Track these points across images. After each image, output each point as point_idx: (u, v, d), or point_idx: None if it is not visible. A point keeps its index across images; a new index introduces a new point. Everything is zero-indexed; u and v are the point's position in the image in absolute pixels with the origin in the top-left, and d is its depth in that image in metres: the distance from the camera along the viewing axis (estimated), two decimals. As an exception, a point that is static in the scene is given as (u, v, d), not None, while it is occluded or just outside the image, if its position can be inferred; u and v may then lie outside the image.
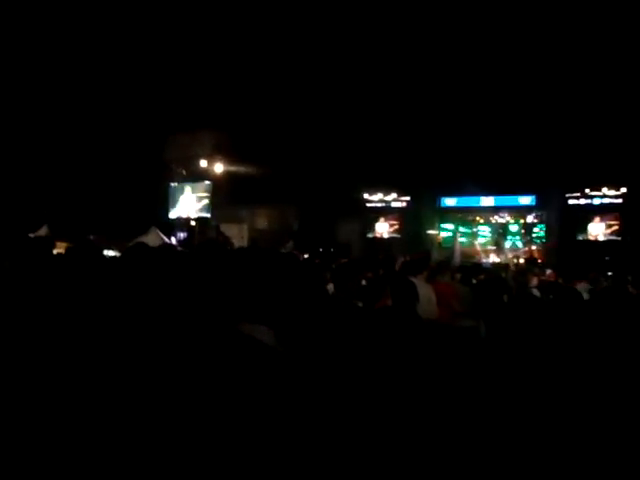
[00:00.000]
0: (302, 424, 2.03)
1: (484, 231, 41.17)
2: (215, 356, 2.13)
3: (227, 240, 28.14)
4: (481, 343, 8.05)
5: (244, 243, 29.89)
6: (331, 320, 4.97)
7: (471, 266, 11.53)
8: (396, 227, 41.62)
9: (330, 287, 7.21)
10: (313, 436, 2.06)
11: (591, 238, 37.50)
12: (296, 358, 2.21)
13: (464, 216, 40.91)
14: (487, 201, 39.86)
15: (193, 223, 33.52)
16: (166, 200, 34.68)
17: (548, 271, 13.93)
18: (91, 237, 19.58)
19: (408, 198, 41.10)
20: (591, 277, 12.39)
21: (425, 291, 7.69)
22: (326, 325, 4.85)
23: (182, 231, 33.17)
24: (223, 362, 2.09)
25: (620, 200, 36.70)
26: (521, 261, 33.14)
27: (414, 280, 7.60)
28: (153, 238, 22.74)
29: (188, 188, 34.74)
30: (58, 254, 5.77)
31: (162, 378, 2.28)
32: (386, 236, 41.52)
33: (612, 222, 37.24)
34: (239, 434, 1.95)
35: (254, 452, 1.94)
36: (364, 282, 7.09)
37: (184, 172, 34.27)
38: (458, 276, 9.91)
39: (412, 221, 40.07)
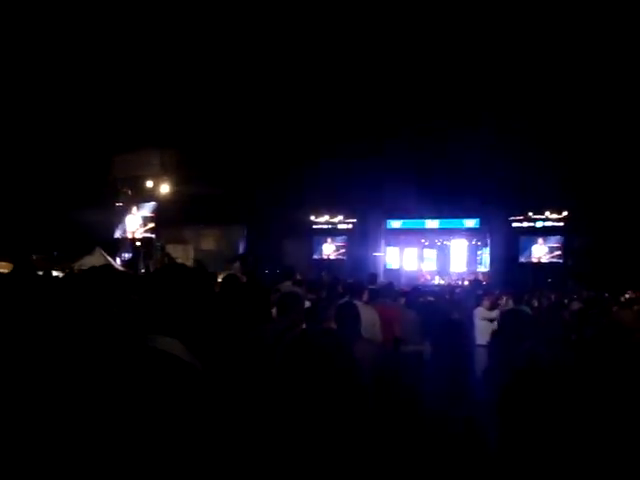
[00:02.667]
0: (216, 437, 2.04)
1: (429, 253, 41.48)
2: (128, 368, 2.13)
3: (172, 261, 28.02)
4: (424, 366, 8.10)
5: (190, 264, 29.73)
6: (254, 340, 4.99)
7: (413, 289, 11.58)
8: (342, 249, 41.69)
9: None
10: (227, 449, 2.07)
11: (534, 260, 38.00)
12: (209, 372, 2.23)
13: (409, 238, 41.13)
14: (432, 224, 40.14)
15: (138, 243, 33.19)
16: (111, 220, 34.26)
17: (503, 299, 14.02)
18: (34, 257, 19.33)
19: (354, 220, 41.20)
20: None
21: (369, 314, 7.70)
22: (246, 343, 4.87)
23: (127, 251, 32.84)
24: (136, 374, 2.09)
25: (562, 223, 37.28)
26: (465, 283, 33.49)
27: (358, 303, 7.63)
28: (97, 258, 22.62)
29: (134, 208, 34.35)
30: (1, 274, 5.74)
31: (75, 390, 2.28)
32: (332, 257, 41.57)
33: (554, 245, 37.81)
34: (154, 444, 1.95)
35: (168, 464, 1.94)
36: (308, 304, 7.08)
37: (130, 192, 33.94)
38: (402, 300, 9.94)
39: (358, 243, 40.22)
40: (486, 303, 11.10)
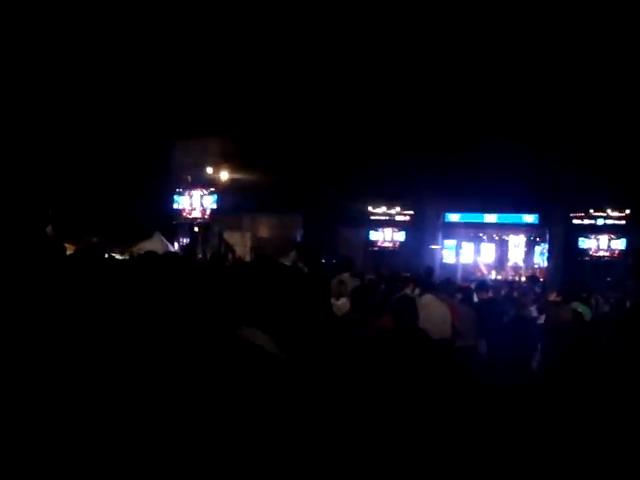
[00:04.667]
0: (300, 430, 2.07)
1: (486, 248, 41.15)
2: (218, 359, 2.19)
3: (230, 247, 28.24)
4: (481, 362, 8.06)
5: (247, 251, 29.93)
6: (335, 333, 4.99)
7: (476, 284, 11.49)
8: (399, 241, 41.48)
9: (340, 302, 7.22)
10: (311, 442, 2.09)
11: (593, 258, 37.48)
12: (296, 365, 2.26)
13: (467, 232, 40.83)
14: (490, 218, 39.74)
15: (196, 229, 33.52)
16: (170, 206, 34.65)
17: (553, 295, 13.81)
18: (94, 240, 19.61)
19: (412, 212, 40.97)
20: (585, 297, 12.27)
21: (441, 310, 7.68)
22: (329, 337, 4.88)
23: (185, 237, 33.19)
24: (225, 365, 2.15)
25: (624, 222, 36.72)
26: (522, 279, 33.17)
27: (430, 298, 7.62)
28: (156, 243, 22.84)
29: (193, 194, 34.70)
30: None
31: (164, 381, 2.32)
32: (389, 249, 41.39)
33: (615, 243, 37.27)
34: (239, 437, 1.99)
35: (253, 456, 1.98)
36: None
37: (189, 178, 34.27)
38: (459, 295, 9.86)
39: (415, 235, 40.02)
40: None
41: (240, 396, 2.03)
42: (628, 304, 12.85)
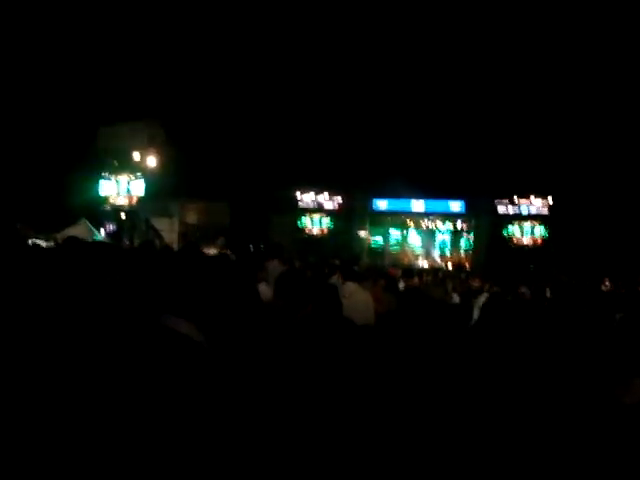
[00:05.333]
0: (221, 416, 2.12)
1: (414, 235, 41.48)
2: (139, 347, 2.21)
3: (157, 234, 28.01)
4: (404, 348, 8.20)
5: (174, 237, 29.72)
6: (259, 322, 5.03)
7: (401, 272, 11.68)
8: (327, 228, 41.56)
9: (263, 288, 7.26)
10: (234, 428, 2.14)
11: (518, 245, 38.09)
12: (219, 352, 2.31)
13: (395, 219, 41.09)
14: (418, 205, 40.04)
15: (123, 215, 33.10)
16: (96, 191, 34.13)
17: (475, 281, 14.13)
18: (18, 226, 19.25)
19: (340, 199, 41.08)
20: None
21: (364, 297, 7.77)
22: (253, 325, 4.91)
23: (111, 223, 32.75)
24: (147, 352, 2.17)
25: (547, 209, 37.35)
26: (449, 266, 33.65)
27: (352, 285, 7.71)
28: (82, 229, 22.50)
29: (119, 180, 34.24)
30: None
31: (85, 370, 2.32)
32: (317, 236, 41.43)
33: (539, 231, 37.89)
34: (162, 424, 2.02)
35: (176, 444, 2.01)
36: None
37: (116, 163, 33.81)
38: (382, 282, 9.95)
39: (343, 222, 40.20)
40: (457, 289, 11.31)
41: (163, 383, 2.07)
42: (548, 293, 13.20)
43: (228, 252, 8.25)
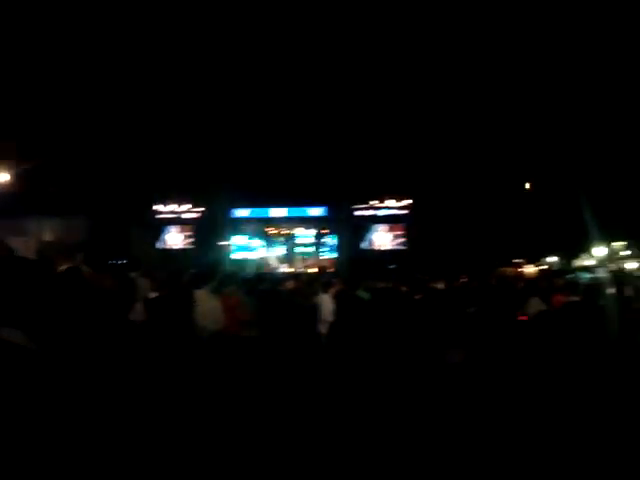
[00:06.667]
0: (53, 416, 2.22)
1: (275, 242, 41.80)
2: None
3: (10, 253, 27.17)
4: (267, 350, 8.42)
5: (31, 256, 28.91)
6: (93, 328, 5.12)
7: (255, 277, 11.87)
8: (190, 238, 41.42)
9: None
10: (69, 428, 2.25)
11: (378, 247, 38.93)
12: (48, 355, 2.40)
13: (256, 227, 41.32)
14: (279, 212, 40.44)
15: (-27, 235, 31.88)
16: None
17: (334, 280, 14.45)
18: None
19: (201, 209, 41.01)
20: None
21: (212, 303, 7.94)
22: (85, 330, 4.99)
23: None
24: None
25: (405, 211, 38.33)
26: (312, 271, 34.09)
27: (201, 292, 7.86)
28: None
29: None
30: None
31: None
32: (180, 247, 41.21)
33: (397, 232, 38.86)
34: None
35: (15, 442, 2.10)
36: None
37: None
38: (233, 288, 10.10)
39: (205, 232, 40.12)
40: (332, 291, 11.64)
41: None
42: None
43: (82, 267, 8.17)
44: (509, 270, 32.38)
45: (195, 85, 33.07)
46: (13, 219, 32.40)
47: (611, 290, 8.65)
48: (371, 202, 38.76)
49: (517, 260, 37.65)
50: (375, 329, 6.18)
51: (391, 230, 39.09)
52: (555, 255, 38.92)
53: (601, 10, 27.17)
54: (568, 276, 19.17)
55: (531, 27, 28.99)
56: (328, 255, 40.58)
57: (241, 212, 41.22)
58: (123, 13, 29.82)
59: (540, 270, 32.77)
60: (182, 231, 41.60)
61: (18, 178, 32.60)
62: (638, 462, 4.66)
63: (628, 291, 8.07)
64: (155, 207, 41.02)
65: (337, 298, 10.97)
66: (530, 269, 35.15)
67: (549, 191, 33.40)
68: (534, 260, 37.45)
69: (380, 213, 39.04)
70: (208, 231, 39.98)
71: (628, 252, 37.98)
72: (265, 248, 41.73)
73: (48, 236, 35.31)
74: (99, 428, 2.51)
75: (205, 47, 31.62)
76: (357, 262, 34.66)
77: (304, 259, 40.55)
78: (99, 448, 2.50)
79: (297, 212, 40.61)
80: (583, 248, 36.21)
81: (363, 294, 11.10)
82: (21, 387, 2.19)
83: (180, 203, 41.05)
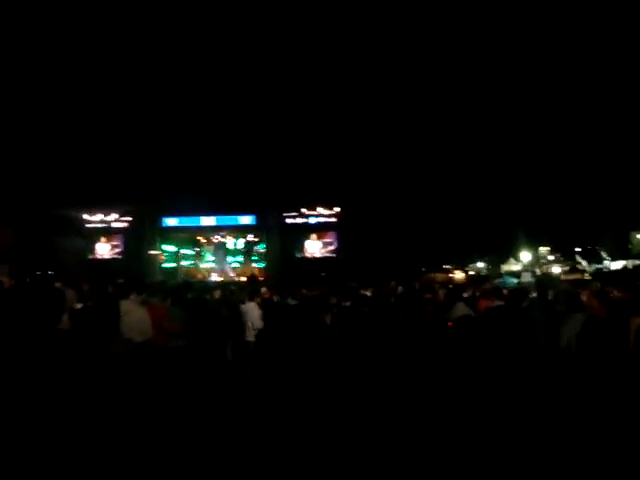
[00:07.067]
0: None
1: (206, 250, 41.67)
2: None
3: None
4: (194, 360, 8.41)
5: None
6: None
7: (182, 286, 11.82)
8: (118, 248, 40.92)
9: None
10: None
11: (308, 255, 39.01)
12: None
13: (186, 236, 41.09)
14: (208, 221, 40.26)
15: None
16: None
17: (263, 289, 14.49)
18: None
19: (130, 218, 40.54)
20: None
21: (140, 313, 7.89)
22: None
23: None
24: None
25: (335, 219, 38.48)
26: (243, 279, 34.02)
27: (128, 303, 7.80)
28: None
29: None
30: None
31: None
32: (107, 257, 40.69)
33: (328, 240, 38.97)
34: None
35: None
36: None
37: None
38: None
39: (134, 242, 39.72)
40: (258, 299, 11.76)
41: None
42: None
43: (4, 279, 8.07)
44: (439, 276, 32.90)
45: (124, 92, 32.86)
46: None
47: (534, 294, 8.91)
48: (301, 210, 38.78)
49: (447, 266, 38.26)
50: (302, 335, 6.24)
51: (321, 238, 39.16)
52: (483, 261, 39.69)
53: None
54: (495, 281, 19.59)
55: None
56: (258, 263, 40.59)
57: (171, 221, 40.92)
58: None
59: (467, 275, 33.35)
60: (111, 240, 41.06)
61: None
62: (566, 463, 4.79)
63: (551, 295, 8.30)
64: (84, 216, 40.40)
65: (263, 306, 11.08)
66: (459, 274, 35.75)
67: (477, 196, 34.01)
68: (463, 265, 38.11)
69: (311, 221, 39.10)
70: (137, 240, 39.59)
71: (552, 257, 39.00)
72: (195, 257, 41.57)
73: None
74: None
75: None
76: (288, 270, 34.74)
77: (234, 268, 40.47)
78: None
79: (227, 220, 40.44)
80: (510, 253, 37.02)
81: (292, 302, 11.21)
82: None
83: (108, 212, 40.52)
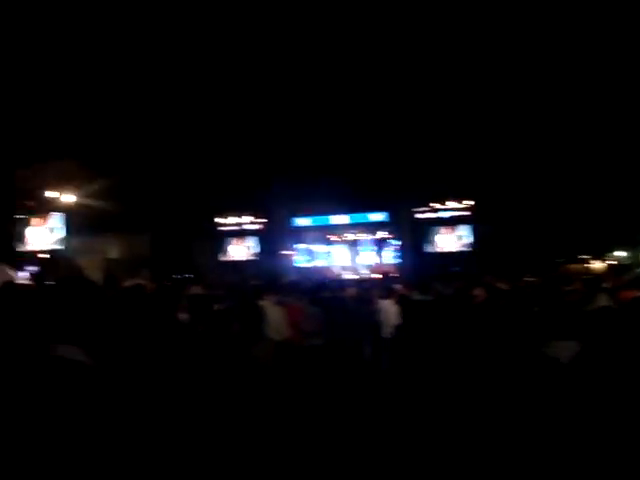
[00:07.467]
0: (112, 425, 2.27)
1: (338, 249, 41.78)
2: (28, 375, 2.36)
3: (78, 272, 27.65)
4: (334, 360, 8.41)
5: (99, 274, 29.41)
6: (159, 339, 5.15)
7: (317, 285, 11.87)
8: (253, 250, 41.59)
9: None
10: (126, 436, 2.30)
11: (442, 250, 38.53)
12: (105, 369, 2.46)
13: (318, 235, 41.36)
14: (338, 219, 40.41)
15: (45, 255, 32.56)
16: (17, 235, 33.54)
17: (398, 285, 14.39)
18: None
19: (262, 220, 41.21)
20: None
21: (276, 314, 7.97)
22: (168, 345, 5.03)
23: (33, 265, 32.20)
24: (35, 379, 2.33)
25: (468, 212, 37.90)
26: (376, 276, 33.95)
27: (266, 303, 7.88)
28: (1, 273, 22.11)
29: (36, 221, 33.70)
30: None
31: None
32: (243, 259, 41.37)
33: (462, 233, 38.39)
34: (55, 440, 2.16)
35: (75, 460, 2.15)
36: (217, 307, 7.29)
37: (33, 204, 33.29)
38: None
39: (267, 243, 40.30)
40: (394, 296, 11.71)
41: (49, 401, 2.21)
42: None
43: (143, 283, 8.25)
44: (576, 267, 31.96)
45: (246, 100, 33.30)
46: (81, 239, 33.09)
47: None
48: (432, 204, 38.39)
49: (583, 256, 37.04)
50: (438, 331, 6.14)
51: (454, 232, 38.64)
52: (623, 249, 38.17)
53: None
54: (637, 270, 18.82)
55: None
56: (391, 260, 40.37)
57: (302, 221, 41.30)
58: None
59: (608, 265, 32.21)
60: (244, 242, 41.78)
61: (84, 198, 33.26)
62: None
63: None
64: (216, 220, 41.34)
65: (399, 303, 10.99)
66: (598, 264, 34.60)
67: (614, 183, 32.83)
68: (600, 255, 36.82)
69: (442, 215, 38.66)
70: (270, 241, 40.15)
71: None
72: (328, 255, 41.73)
73: (114, 254, 35.96)
74: (154, 439, 2.54)
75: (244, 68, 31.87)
76: (421, 266, 34.45)
77: (367, 265, 40.41)
78: (156, 457, 2.54)
79: (358, 218, 40.49)
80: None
81: (426, 297, 11.10)
82: (75, 403, 2.23)
83: (241, 215, 41.31)
